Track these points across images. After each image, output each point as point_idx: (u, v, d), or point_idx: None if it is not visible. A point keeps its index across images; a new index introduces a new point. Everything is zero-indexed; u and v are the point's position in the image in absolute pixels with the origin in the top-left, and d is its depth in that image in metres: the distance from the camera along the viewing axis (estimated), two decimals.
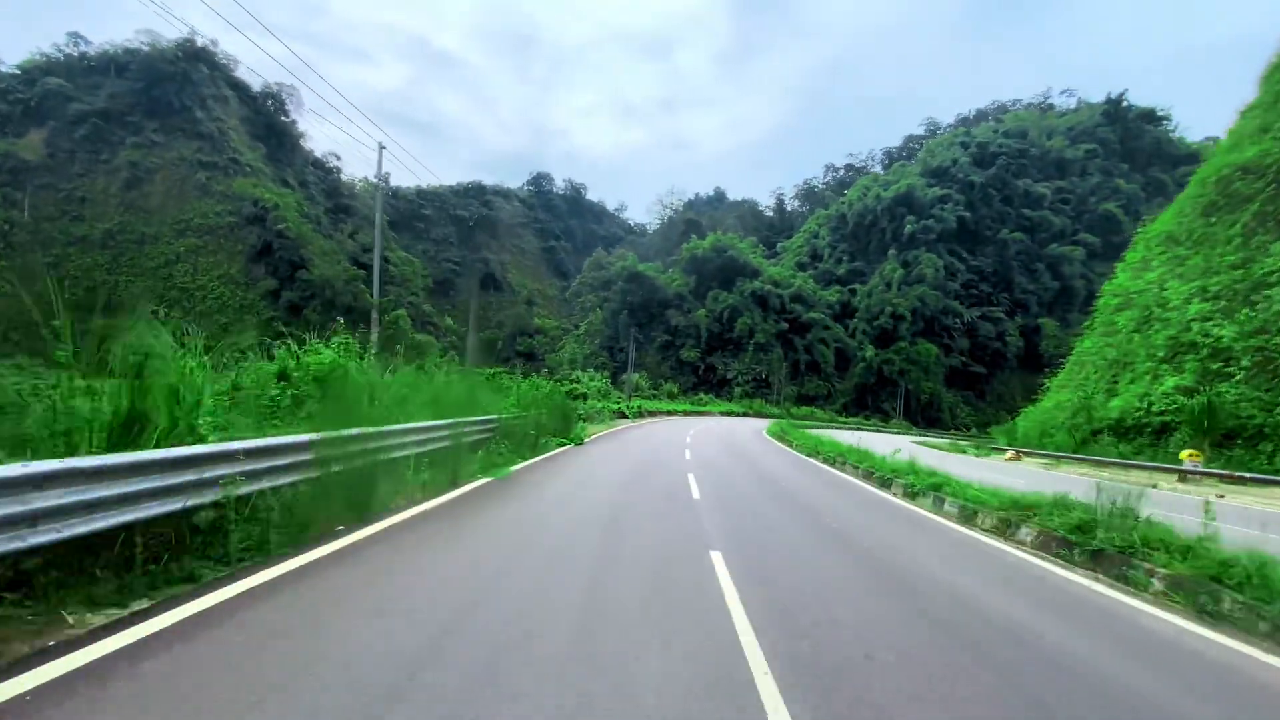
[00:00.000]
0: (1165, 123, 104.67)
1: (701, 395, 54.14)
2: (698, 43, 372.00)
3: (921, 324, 78.74)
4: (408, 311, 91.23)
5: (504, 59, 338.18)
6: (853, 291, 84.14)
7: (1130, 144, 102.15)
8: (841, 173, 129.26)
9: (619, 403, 30.12)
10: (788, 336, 76.67)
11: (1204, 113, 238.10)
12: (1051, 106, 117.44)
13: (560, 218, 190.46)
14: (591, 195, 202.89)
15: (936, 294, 79.06)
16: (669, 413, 36.13)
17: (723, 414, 45.52)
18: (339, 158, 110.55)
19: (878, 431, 52.71)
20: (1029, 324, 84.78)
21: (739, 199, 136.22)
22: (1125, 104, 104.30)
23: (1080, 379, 31.87)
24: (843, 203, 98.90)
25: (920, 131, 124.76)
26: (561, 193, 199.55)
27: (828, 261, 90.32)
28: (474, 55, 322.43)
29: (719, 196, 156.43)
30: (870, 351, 74.39)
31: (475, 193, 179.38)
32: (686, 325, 79.25)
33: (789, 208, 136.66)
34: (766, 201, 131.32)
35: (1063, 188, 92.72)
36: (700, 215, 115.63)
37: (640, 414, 32.22)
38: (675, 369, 79.14)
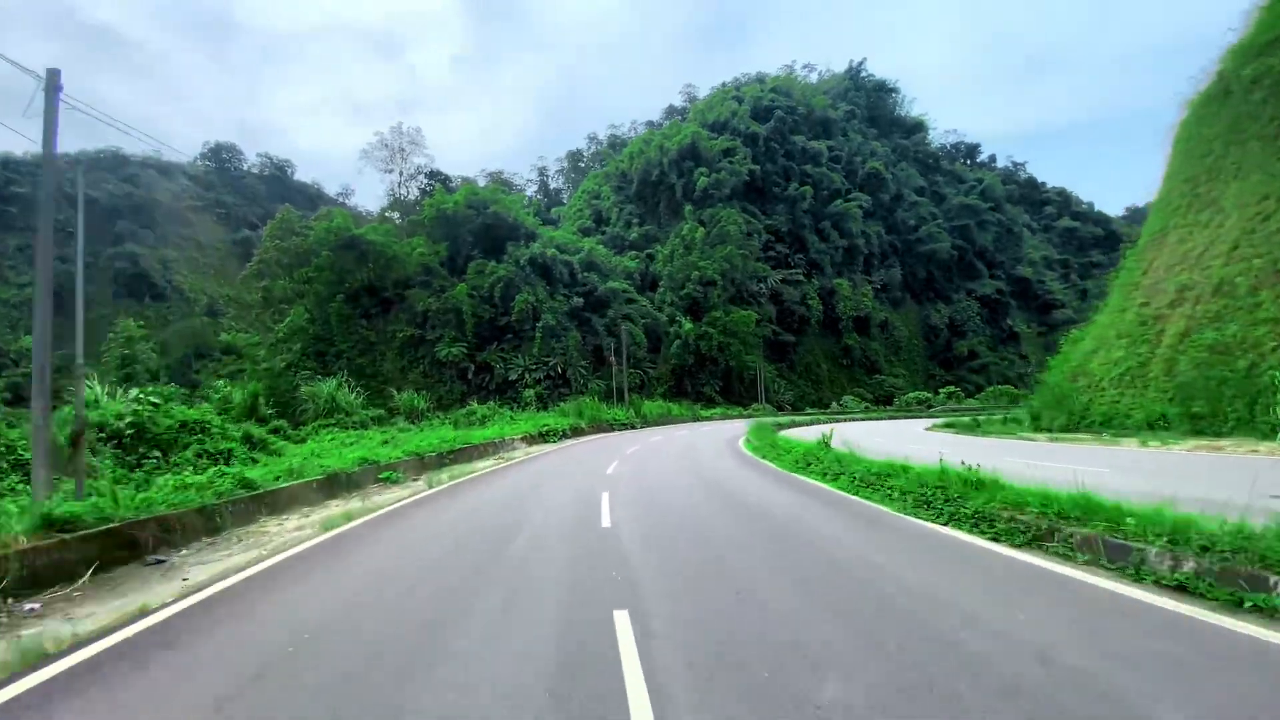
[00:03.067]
0: (895, 94, 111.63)
1: (473, 405, 32.06)
2: (434, 44, 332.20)
3: (732, 289, 66.63)
4: None
5: (193, 44, 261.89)
6: (650, 257, 68.86)
7: (874, 110, 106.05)
8: (604, 144, 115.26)
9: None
10: (584, 315, 57.76)
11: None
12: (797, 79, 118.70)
13: (256, 201, 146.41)
14: (303, 177, 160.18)
15: (743, 254, 67.70)
16: (373, 477, 13.29)
17: (541, 434, 23.81)
18: None
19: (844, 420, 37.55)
20: (825, 285, 79.06)
21: (494, 170, 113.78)
22: (864, 73, 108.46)
23: None
24: (620, 160, 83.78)
25: (679, 102, 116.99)
26: (256, 170, 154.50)
27: (616, 225, 74.01)
28: (148, 35, 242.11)
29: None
30: (688, 325, 59.34)
31: (111, 164, 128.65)
32: (441, 310, 55.58)
33: (554, 184, 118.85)
34: (528, 175, 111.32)
35: (833, 146, 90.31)
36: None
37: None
38: (432, 374, 54.94)
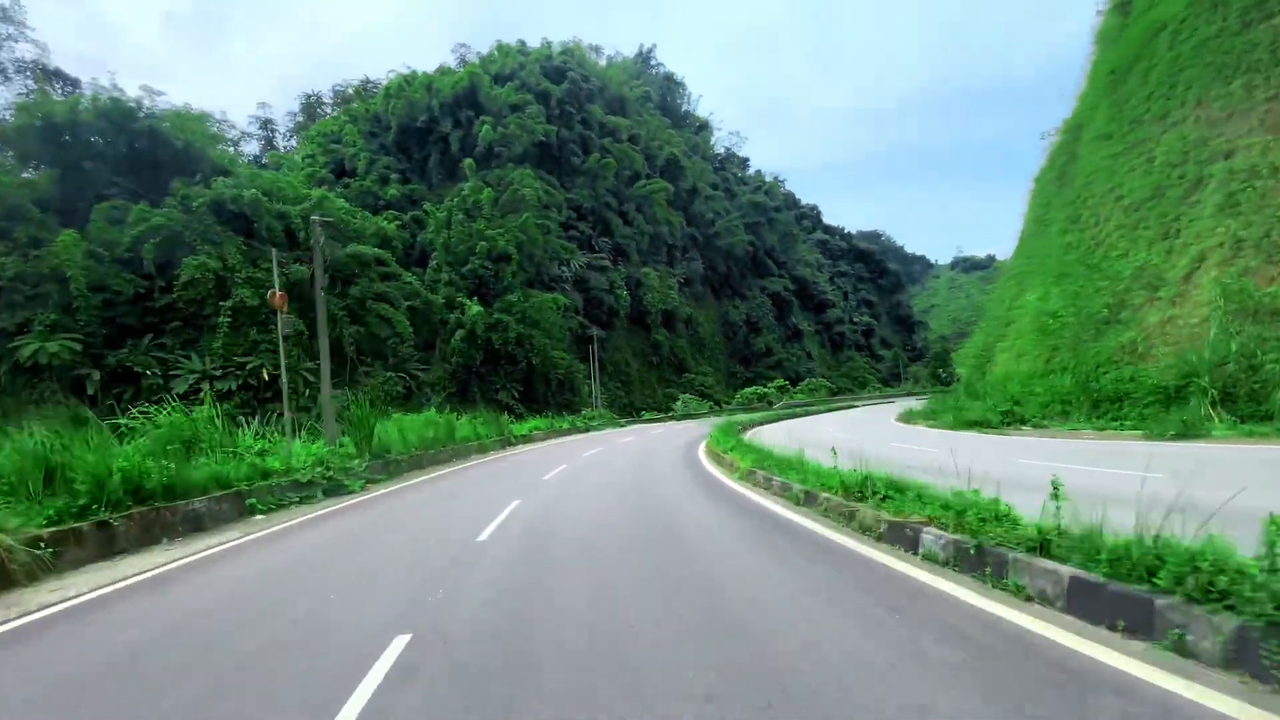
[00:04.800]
0: (683, 88, 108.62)
1: None
2: (143, 2, 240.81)
3: (531, 268, 52.50)
4: None
5: None
6: (418, 223, 51.35)
7: (665, 101, 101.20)
8: (350, 90, 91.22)
9: None
10: (312, 294, 38.52)
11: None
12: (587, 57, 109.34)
13: None
14: None
15: (542, 226, 54.07)
16: None
17: None
18: None
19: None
20: (633, 275, 69.43)
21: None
22: (655, 61, 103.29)
23: None
24: (373, 102, 64.22)
25: (453, 62, 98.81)
26: None
27: (367, 179, 54.63)
28: None
29: None
30: (475, 309, 43.37)
31: None
32: (27, 278, 32.44)
33: (285, 144, 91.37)
34: (245, 127, 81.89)
35: (631, 126, 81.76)
36: None
37: None
38: (13, 387, 31.72)
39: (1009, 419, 17.32)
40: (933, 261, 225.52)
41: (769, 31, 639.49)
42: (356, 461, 14.96)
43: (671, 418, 54.54)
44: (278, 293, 16.86)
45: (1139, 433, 12.42)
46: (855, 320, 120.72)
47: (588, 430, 39.50)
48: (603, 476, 14.87)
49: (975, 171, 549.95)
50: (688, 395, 59.54)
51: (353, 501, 12.92)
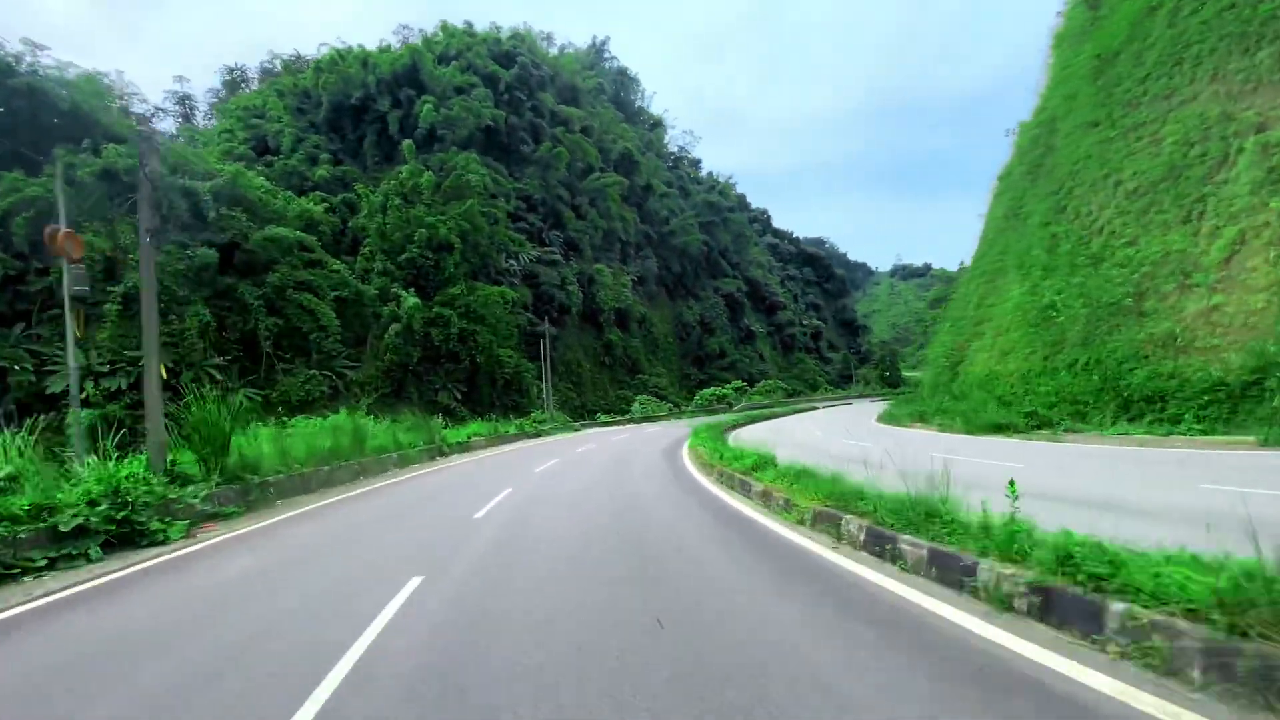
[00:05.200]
0: (637, 84, 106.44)
1: None
2: None
3: (477, 259, 48.83)
4: None
5: None
6: (350, 206, 46.92)
7: (619, 95, 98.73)
8: (278, 65, 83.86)
9: None
10: (224, 282, 34.29)
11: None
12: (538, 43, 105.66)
13: None
14: None
15: (488, 214, 50.49)
16: None
17: None
18: None
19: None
20: (585, 271, 66.55)
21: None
22: (608, 54, 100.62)
23: None
24: (303, 76, 59.00)
25: (395, 42, 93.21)
26: None
27: (293, 158, 49.68)
28: None
29: None
30: (411, 301, 39.53)
31: None
32: None
33: (205, 124, 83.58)
34: (160, 101, 73.49)
35: (584, 117, 78.83)
36: None
37: None
38: None
39: (1034, 422, 15.69)
40: (874, 269, 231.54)
41: (719, 39, 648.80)
42: (192, 489, 10.24)
43: (630, 420, 52.01)
44: (61, 230, 11.74)
45: (1246, 439, 10.52)
46: (805, 323, 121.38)
47: (538, 435, 36.36)
48: (569, 514, 10.00)
49: (913, 183, 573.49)
50: (644, 396, 57.15)
51: (138, 568, 7.67)
